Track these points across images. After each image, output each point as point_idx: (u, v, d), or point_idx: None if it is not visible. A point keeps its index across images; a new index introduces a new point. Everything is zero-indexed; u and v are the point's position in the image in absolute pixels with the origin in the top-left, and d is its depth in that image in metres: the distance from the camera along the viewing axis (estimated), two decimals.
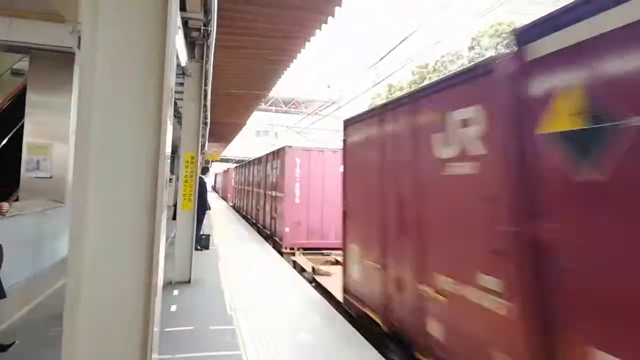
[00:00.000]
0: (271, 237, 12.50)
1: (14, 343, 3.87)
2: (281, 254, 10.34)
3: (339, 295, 6.25)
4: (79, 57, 6.46)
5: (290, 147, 11.21)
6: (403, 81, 42.59)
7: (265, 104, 39.58)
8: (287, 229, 10.76)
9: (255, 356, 4.09)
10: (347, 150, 6.09)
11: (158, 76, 1.83)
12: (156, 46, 1.84)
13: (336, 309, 5.84)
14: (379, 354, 4.27)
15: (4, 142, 8.29)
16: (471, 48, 36.56)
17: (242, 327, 4.87)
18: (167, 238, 9.55)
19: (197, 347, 4.27)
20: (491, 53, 35.68)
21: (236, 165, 28.97)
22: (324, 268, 8.57)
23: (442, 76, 3.89)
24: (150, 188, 1.82)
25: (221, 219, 18.09)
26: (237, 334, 4.66)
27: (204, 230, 10.63)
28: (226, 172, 34.36)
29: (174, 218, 8.49)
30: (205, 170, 11.89)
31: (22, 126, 6.87)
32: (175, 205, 9.89)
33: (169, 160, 1.95)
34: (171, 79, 1.94)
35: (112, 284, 1.80)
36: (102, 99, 1.79)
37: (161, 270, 1.94)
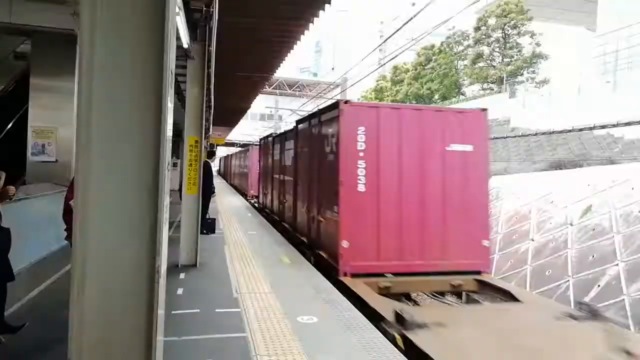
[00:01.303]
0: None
1: (24, 325, 3.93)
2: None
3: None
4: None
5: None
6: (409, 62, 42.12)
7: (269, 87, 39.30)
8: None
9: (260, 338, 4.13)
10: None
11: (158, 58, 1.80)
12: (156, 27, 1.81)
13: None
14: (381, 335, 4.30)
15: (10, 125, 8.31)
16: (477, 29, 36.01)
17: (248, 310, 4.92)
18: (172, 222, 9.61)
19: (203, 330, 4.32)
20: (498, 33, 35.08)
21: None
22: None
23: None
24: (153, 171, 1.81)
25: None
26: (243, 317, 4.70)
27: (210, 214, 10.68)
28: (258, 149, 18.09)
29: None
30: (211, 155, 11.90)
31: (27, 110, 6.87)
32: (180, 189, 9.93)
33: (170, 143, 1.93)
34: (171, 60, 1.91)
35: (116, 267, 1.81)
36: (101, 82, 1.76)
37: (165, 253, 1.94)
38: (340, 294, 5.67)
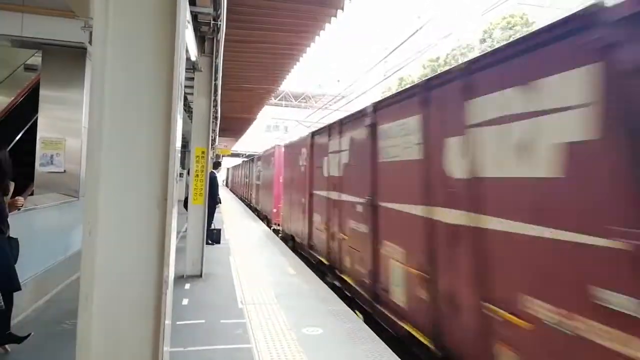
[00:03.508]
0: None
1: (29, 335, 3.93)
2: None
3: None
4: (90, 52, 6.51)
5: None
6: (414, 74, 42.27)
7: (275, 99, 39.55)
8: None
9: (265, 349, 4.11)
10: None
11: (168, 71, 1.84)
12: (166, 41, 1.84)
13: None
14: (386, 346, 4.28)
15: (19, 136, 8.40)
16: (483, 40, 36.14)
17: (253, 321, 4.91)
18: (178, 232, 9.62)
19: (208, 341, 4.31)
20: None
21: None
22: None
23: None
24: (161, 182, 1.83)
25: None
26: (248, 328, 4.69)
27: (215, 224, 10.70)
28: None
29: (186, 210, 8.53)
30: (217, 165, 11.92)
31: (36, 121, 6.95)
32: (186, 199, 9.96)
33: (179, 155, 1.96)
34: (181, 73, 1.94)
35: (124, 278, 1.82)
36: (113, 94, 1.80)
37: (172, 264, 1.95)
38: (345, 305, 5.65)
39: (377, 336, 4.58)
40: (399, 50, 13.79)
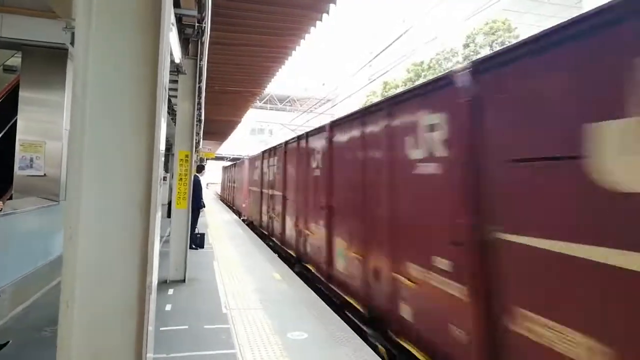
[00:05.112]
0: None
1: (7, 343, 3.84)
2: None
3: None
4: (72, 53, 6.40)
5: None
6: (398, 79, 42.62)
7: (260, 102, 39.46)
8: None
9: (250, 355, 4.08)
10: None
11: (151, 73, 1.81)
12: (150, 43, 1.82)
13: None
14: (371, 350, 4.28)
15: None
16: (466, 45, 36.63)
17: (238, 326, 4.87)
18: (162, 237, 9.51)
19: (192, 346, 4.26)
20: (486, 50, 35.76)
21: None
22: None
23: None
24: (144, 186, 1.81)
25: None
26: (232, 333, 4.65)
27: (199, 229, 10.60)
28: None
29: (169, 216, 8.45)
30: (200, 169, 11.81)
31: (15, 123, 6.79)
32: (169, 204, 9.84)
33: (162, 158, 1.93)
34: (165, 75, 1.92)
35: (106, 283, 1.79)
36: (95, 96, 1.76)
37: (156, 269, 1.92)
38: (331, 310, 5.64)
39: (362, 340, 4.58)
40: (384, 54, 13.89)
